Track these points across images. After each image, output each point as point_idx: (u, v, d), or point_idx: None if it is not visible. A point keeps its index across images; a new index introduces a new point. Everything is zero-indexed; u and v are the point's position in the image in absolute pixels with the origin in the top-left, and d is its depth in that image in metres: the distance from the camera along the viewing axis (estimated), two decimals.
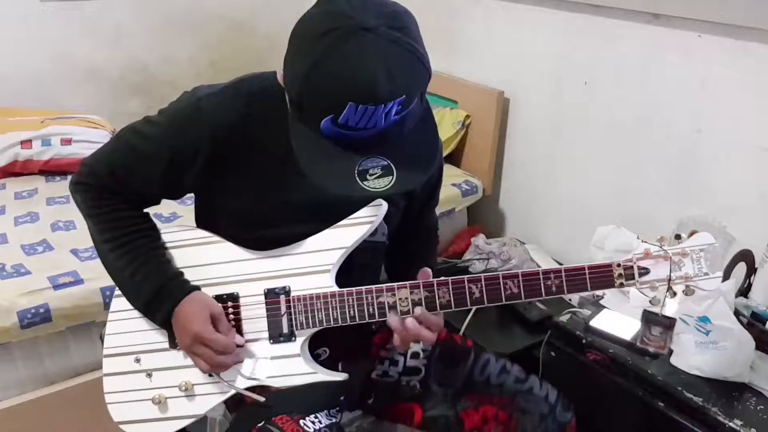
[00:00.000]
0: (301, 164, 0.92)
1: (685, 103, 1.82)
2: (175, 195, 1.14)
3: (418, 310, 1.02)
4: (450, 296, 1.02)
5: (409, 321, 1.02)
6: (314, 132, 0.90)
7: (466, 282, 1.01)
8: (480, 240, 2.31)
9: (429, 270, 1.05)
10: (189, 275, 1.10)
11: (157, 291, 1.07)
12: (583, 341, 1.55)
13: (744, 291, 1.57)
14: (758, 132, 1.67)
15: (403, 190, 0.92)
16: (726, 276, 1.51)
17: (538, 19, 2.21)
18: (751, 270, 1.58)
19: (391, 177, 0.91)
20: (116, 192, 1.10)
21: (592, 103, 2.09)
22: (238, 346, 1.06)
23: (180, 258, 1.12)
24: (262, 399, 1.07)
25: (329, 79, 0.86)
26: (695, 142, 1.81)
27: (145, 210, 1.15)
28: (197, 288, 1.09)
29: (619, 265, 1.00)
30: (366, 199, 1.03)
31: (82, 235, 1.90)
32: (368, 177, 0.90)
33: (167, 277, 1.08)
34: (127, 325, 1.13)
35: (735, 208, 1.73)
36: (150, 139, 1.06)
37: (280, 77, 1.02)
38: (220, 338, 1.03)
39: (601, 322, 1.57)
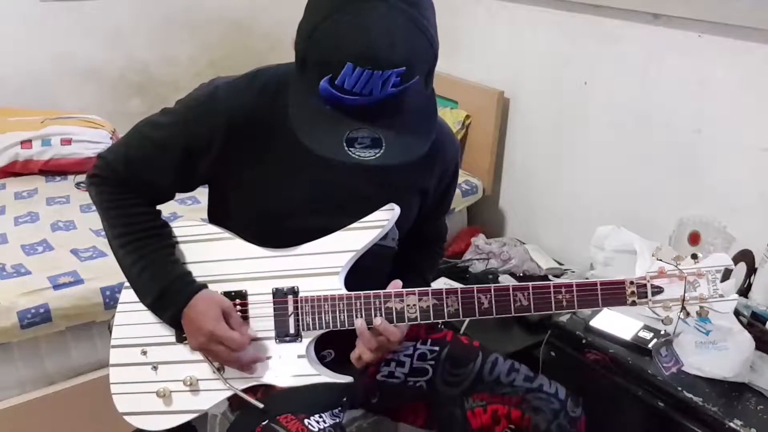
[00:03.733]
0: (292, 122, 0.92)
1: (685, 103, 1.82)
2: (189, 186, 1.14)
3: (377, 320, 1.02)
4: (458, 305, 1.01)
5: (360, 324, 1.02)
6: (313, 91, 0.90)
7: (475, 292, 1.01)
8: (480, 240, 2.31)
9: (399, 282, 1.05)
10: (198, 271, 1.10)
11: (164, 291, 1.07)
12: (583, 341, 1.55)
13: (744, 291, 1.57)
14: (758, 132, 1.67)
15: (387, 164, 0.91)
16: (726, 276, 1.51)
17: (538, 19, 2.21)
18: (751, 270, 1.58)
19: (378, 149, 0.91)
20: (130, 185, 1.10)
21: (592, 103, 2.09)
22: (252, 339, 1.06)
23: (190, 253, 1.11)
24: (260, 405, 1.07)
25: (333, 36, 0.87)
26: (695, 142, 1.81)
27: (157, 207, 1.15)
28: (204, 286, 1.09)
29: (632, 283, 0.98)
30: (371, 181, 1.01)
31: (82, 235, 1.91)
32: (356, 145, 0.90)
33: (173, 277, 1.08)
34: (135, 317, 1.13)
35: (735, 208, 1.73)
36: (166, 128, 1.07)
37: (288, 57, 1.00)
38: (235, 336, 1.03)
39: (601, 322, 1.57)
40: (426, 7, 0.92)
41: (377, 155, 0.90)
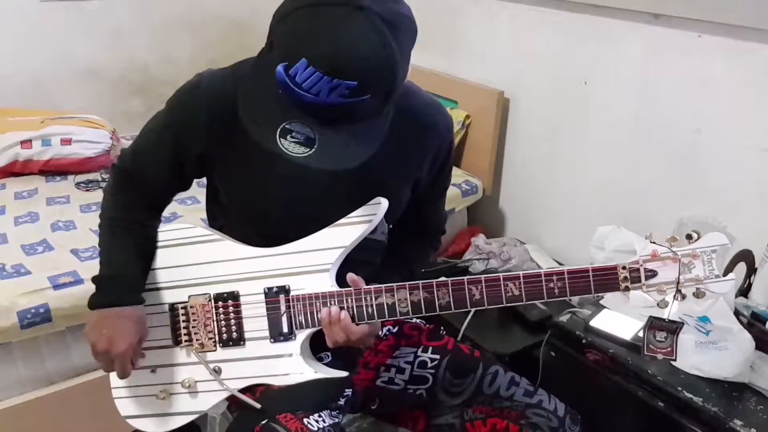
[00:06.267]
0: (239, 95, 0.94)
1: (685, 103, 1.82)
2: (183, 178, 1.15)
3: (342, 314, 1.02)
4: (450, 297, 1.01)
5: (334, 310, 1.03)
6: (270, 73, 0.90)
7: (465, 283, 1.00)
8: (480, 240, 2.31)
9: (353, 275, 1.04)
10: (189, 273, 1.11)
11: (110, 277, 1.10)
12: (583, 341, 1.55)
13: (744, 291, 1.57)
14: (758, 132, 1.67)
15: (313, 166, 0.91)
16: (726, 275, 1.51)
17: (538, 19, 2.21)
18: (751, 270, 1.58)
19: (308, 150, 0.91)
20: (133, 179, 1.13)
21: (592, 103, 2.09)
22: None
23: (180, 256, 1.12)
24: (257, 406, 1.07)
25: (299, 28, 0.87)
26: (695, 142, 1.81)
27: (157, 216, 1.19)
28: (143, 301, 1.11)
29: (624, 268, 0.97)
30: (359, 170, 1.02)
31: (82, 235, 1.91)
32: (288, 137, 0.91)
33: (136, 273, 1.11)
34: None
35: (735, 208, 1.73)
36: (161, 118, 1.10)
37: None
38: (125, 369, 1.07)
39: (601, 322, 1.57)
40: (403, 31, 0.90)
41: (306, 154, 0.91)
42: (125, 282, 1.10)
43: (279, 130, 0.90)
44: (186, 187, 1.17)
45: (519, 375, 1.24)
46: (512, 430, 1.17)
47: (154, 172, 1.12)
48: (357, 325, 1.03)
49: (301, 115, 0.90)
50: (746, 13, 1.61)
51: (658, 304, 0.97)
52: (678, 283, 0.95)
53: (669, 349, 1.38)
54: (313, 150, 0.91)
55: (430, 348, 1.25)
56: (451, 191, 2.33)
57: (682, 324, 1.36)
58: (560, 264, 2.24)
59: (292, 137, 0.90)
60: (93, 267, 1.71)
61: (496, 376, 1.21)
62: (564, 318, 1.62)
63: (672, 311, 1.42)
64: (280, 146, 0.90)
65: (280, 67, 0.88)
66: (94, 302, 1.09)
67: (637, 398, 1.44)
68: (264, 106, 0.92)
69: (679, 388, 1.38)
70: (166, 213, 1.97)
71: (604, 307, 1.63)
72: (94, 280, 1.12)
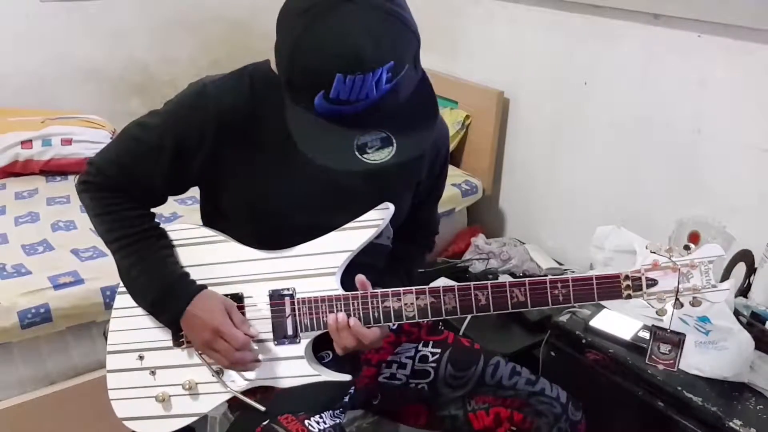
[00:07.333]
0: (299, 145, 0.91)
1: (685, 103, 1.82)
2: (181, 187, 1.12)
3: (352, 321, 1.02)
4: (456, 302, 1.02)
5: (341, 317, 1.02)
6: (309, 111, 0.90)
7: (472, 289, 1.01)
8: (480, 240, 2.31)
9: (362, 277, 1.03)
10: (193, 274, 1.10)
11: (166, 290, 1.06)
12: (583, 341, 1.55)
13: (744, 291, 1.57)
14: (758, 132, 1.67)
15: (403, 159, 0.91)
16: (726, 276, 1.51)
17: (538, 19, 2.21)
18: (751, 270, 1.58)
19: (390, 148, 0.90)
20: (123, 190, 1.09)
21: (592, 103, 2.09)
22: (252, 339, 1.06)
23: (184, 256, 1.11)
24: (261, 408, 1.07)
25: (313, 54, 0.86)
26: (695, 142, 1.81)
27: (152, 210, 1.14)
28: (204, 286, 1.08)
29: (627, 277, 0.99)
30: (367, 178, 1.01)
31: (82, 235, 1.91)
32: (368, 150, 0.90)
33: (175, 277, 1.07)
34: (130, 323, 1.13)
35: (735, 208, 1.73)
36: (156, 129, 1.05)
37: (274, 67, 1.00)
38: (240, 334, 1.03)
39: (601, 322, 1.57)
40: None
41: (391, 154, 0.90)
42: (177, 287, 1.07)
43: (356, 150, 0.90)
44: (182, 193, 1.15)
45: (520, 366, 1.25)
46: (516, 418, 1.18)
47: (149, 182, 1.08)
48: (369, 328, 1.02)
49: (364, 124, 0.90)
50: (746, 13, 1.61)
51: (657, 312, 1.00)
52: (677, 291, 0.99)
53: (671, 361, 1.40)
54: (395, 145, 0.90)
55: (431, 342, 1.27)
56: (451, 191, 2.35)
57: (685, 336, 1.37)
58: (560, 264, 2.25)
59: (369, 147, 0.90)
60: (93, 267, 1.73)
61: (498, 367, 1.22)
62: (564, 318, 1.62)
63: (670, 312, 1.44)
64: (368, 162, 0.90)
65: (318, 100, 0.88)
66: (169, 320, 1.07)
67: (636, 398, 1.44)
68: (328, 141, 0.90)
69: (679, 388, 1.38)
70: (166, 213, 2.01)
71: (604, 307, 1.63)
72: (152, 306, 1.09)
